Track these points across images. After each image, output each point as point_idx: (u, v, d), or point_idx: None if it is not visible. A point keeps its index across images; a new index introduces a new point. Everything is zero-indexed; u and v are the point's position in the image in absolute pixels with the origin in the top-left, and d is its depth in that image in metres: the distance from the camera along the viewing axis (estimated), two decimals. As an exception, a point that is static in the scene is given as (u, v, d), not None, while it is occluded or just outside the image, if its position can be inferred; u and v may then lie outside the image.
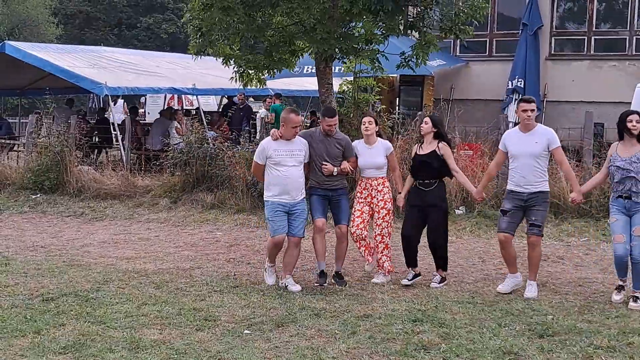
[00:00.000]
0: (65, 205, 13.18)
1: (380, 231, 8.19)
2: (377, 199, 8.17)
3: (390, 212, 8.23)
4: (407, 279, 8.01)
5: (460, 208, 11.48)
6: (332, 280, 8.05)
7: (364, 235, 8.21)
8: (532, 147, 7.54)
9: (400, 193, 8.32)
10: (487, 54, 18.83)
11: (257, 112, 19.79)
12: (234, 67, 12.32)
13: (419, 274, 8.10)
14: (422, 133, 8.17)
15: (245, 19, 10.65)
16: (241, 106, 18.96)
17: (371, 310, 7.03)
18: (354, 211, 8.25)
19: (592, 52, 17.76)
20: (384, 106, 14.26)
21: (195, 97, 20.71)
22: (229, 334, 6.31)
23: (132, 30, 44.54)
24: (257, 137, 15.73)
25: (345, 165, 8.02)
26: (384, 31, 11.27)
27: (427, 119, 8.15)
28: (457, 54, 19.09)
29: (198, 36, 11.58)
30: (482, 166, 11.24)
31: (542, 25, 17.56)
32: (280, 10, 10.28)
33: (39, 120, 16.19)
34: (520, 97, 17.24)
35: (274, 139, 7.90)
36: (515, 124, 17.06)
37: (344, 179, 8.26)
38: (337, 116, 8.15)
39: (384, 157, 8.19)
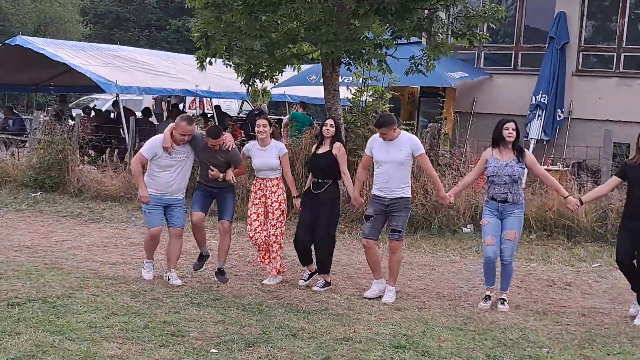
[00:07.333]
0: (64, 204, 12.83)
1: (275, 231, 8.34)
2: (272, 199, 8.30)
3: (284, 212, 8.41)
4: (304, 280, 8.22)
5: (467, 226, 10.91)
6: (216, 278, 8.25)
7: (262, 240, 8.33)
8: (396, 155, 7.62)
9: (294, 196, 8.43)
10: (512, 67, 18.23)
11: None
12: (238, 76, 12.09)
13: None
14: (325, 136, 8.14)
15: (246, 17, 10.14)
16: (256, 112, 18.61)
17: (353, 332, 6.53)
18: (250, 214, 8.40)
19: (621, 69, 17.11)
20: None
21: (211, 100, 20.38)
22: (193, 353, 5.86)
23: (161, 32, 44.39)
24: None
25: (230, 176, 8.07)
26: (393, 32, 10.69)
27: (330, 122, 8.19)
28: (481, 66, 18.52)
29: (202, 42, 11.18)
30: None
31: (569, 40, 16.97)
32: (281, 12, 9.78)
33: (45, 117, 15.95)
34: (544, 113, 16.78)
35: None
36: (537, 141, 16.73)
37: None
38: (221, 136, 8.03)
39: (277, 158, 8.25)
